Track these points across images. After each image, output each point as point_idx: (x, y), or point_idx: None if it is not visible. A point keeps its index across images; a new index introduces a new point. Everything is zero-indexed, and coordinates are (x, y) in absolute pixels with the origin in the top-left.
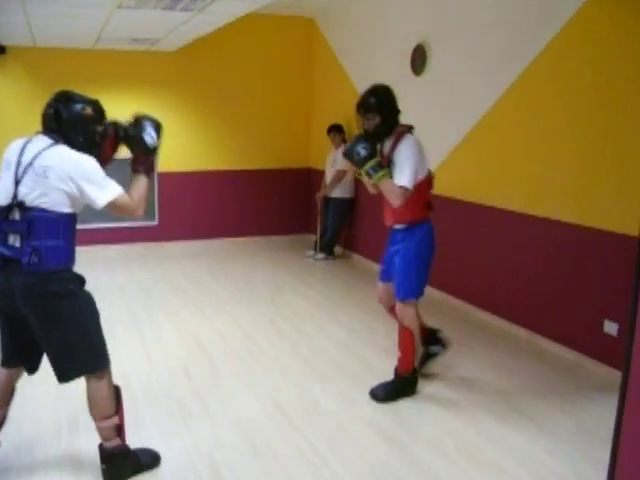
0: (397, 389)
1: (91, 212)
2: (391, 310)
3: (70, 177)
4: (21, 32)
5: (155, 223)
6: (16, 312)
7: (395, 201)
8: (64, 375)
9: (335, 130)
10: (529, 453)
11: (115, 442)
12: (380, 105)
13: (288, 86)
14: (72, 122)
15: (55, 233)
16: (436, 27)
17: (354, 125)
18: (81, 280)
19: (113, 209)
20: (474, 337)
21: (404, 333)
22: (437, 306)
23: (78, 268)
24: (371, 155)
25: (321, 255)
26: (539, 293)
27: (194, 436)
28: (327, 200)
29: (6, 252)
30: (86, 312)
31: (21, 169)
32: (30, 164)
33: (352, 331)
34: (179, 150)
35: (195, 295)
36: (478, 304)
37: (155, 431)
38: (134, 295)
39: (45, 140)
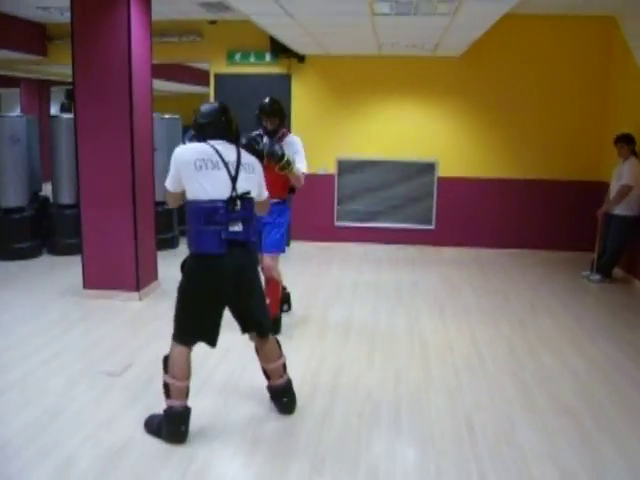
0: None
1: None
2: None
3: (260, 172)
4: (310, 42)
5: (432, 227)
6: (229, 289)
7: (302, 182)
8: (269, 329)
9: (623, 140)
10: None
11: (286, 377)
12: (281, 111)
13: (579, 90)
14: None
15: (254, 215)
16: None
17: None
18: None
19: (262, 202)
20: None
21: (273, 283)
22: None
23: (348, 264)
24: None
25: (597, 276)
26: None
27: (370, 443)
28: (609, 217)
29: (235, 237)
30: None
31: (232, 167)
32: (239, 162)
33: (593, 366)
34: (457, 156)
35: (444, 300)
36: None
37: (337, 427)
38: (386, 293)
39: (228, 144)
